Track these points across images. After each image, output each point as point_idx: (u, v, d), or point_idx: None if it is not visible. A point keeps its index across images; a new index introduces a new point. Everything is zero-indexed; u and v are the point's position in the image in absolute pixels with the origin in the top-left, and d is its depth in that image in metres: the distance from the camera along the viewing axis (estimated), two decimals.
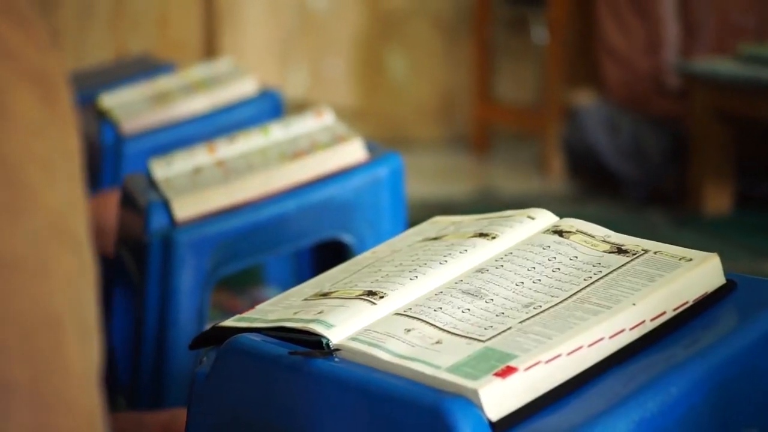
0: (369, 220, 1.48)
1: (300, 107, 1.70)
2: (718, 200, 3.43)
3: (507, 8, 4.39)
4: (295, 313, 0.96)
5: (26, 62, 0.57)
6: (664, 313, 0.88)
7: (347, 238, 1.48)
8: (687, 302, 0.90)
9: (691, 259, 0.91)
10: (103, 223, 1.81)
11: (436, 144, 4.50)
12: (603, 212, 3.49)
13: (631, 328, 0.87)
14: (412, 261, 1.00)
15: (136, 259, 1.54)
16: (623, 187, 3.60)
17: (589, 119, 3.58)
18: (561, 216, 1.03)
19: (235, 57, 4.30)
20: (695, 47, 3.61)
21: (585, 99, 3.76)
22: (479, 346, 0.86)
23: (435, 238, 1.05)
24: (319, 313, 0.94)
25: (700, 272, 0.90)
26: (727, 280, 0.92)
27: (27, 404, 0.54)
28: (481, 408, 0.81)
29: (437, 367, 0.84)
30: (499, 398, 0.81)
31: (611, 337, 0.86)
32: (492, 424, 0.81)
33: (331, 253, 1.55)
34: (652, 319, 0.88)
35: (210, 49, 4.26)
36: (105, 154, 2.16)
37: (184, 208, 1.48)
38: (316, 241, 1.52)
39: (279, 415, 0.91)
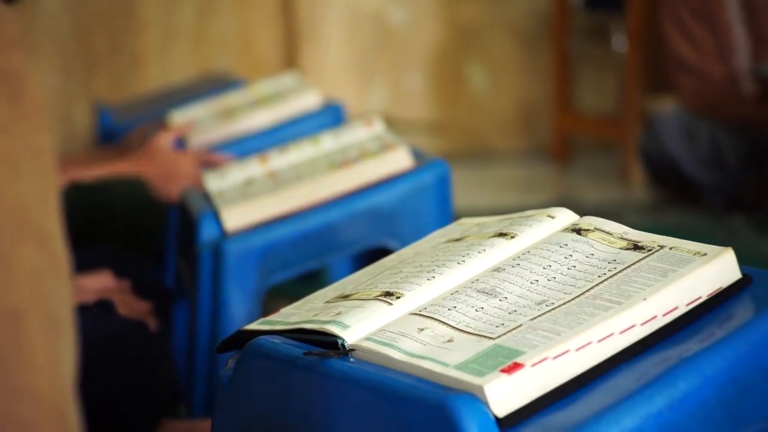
0: (415, 226, 1.49)
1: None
2: None
3: (586, 17, 4.37)
4: (315, 315, 0.97)
5: None
6: (676, 308, 0.88)
7: (394, 245, 1.49)
8: (700, 297, 0.89)
9: (705, 254, 0.90)
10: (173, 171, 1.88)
11: (516, 155, 4.49)
12: (683, 221, 3.44)
13: (642, 324, 0.86)
14: (432, 262, 1.00)
15: (190, 269, 1.57)
16: (703, 195, 3.54)
17: (666, 127, 3.53)
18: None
19: (315, 74, 4.34)
20: (765, 51, 3.55)
21: (664, 107, 3.71)
22: (489, 343, 0.86)
23: (458, 239, 1.05)
24: (337, 314, 0.95)
25: (713, 267, 0.89)
26: (743, 274, 0.91)
27: None
28: (487, 404, 0.81)
29: (446, 365, 0.85)
30: (506, 394, 0.82)
31: (621, 332, 0.86)
32: (498, 420, 0.81)
33: None
34: (664, 315, 0.87)
35: (291, 67, 4.31)
36: None
37: (234, 219, 1.50)
38: (364, 248, 1.53)
39: (297, 414, 0.93)
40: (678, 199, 3.64)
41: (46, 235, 0.59)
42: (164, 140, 2.03)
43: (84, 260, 1.83)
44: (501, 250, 0.99)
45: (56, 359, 0.59)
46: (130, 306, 1.64)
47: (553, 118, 4.39)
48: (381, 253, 1.58)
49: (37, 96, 0.61)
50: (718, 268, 0.89)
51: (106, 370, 1.39)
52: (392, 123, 4.37)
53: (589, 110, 4.47)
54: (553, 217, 1.02)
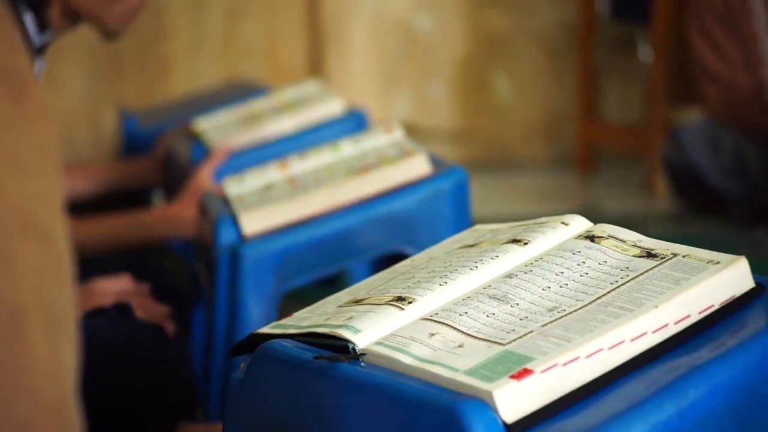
0: (432, 233, 1.48)
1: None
2: None
3: (612, 28, 4.35)
4: (327, 319, 0.97)
5: None
6: (688, 316, 0.87)
7: (411, 251, 1.48)
8: (713, 305, 0.88)
9: (718, 263, 0.90)
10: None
11: (540, 165, 4.48)
12: (707, 232, 3.42)
13: (654, 331, 0.86)
14: (444, 267, 1.00)
15: (207, 272, 1.57)
16: (728, 206, 3.52)
17: (690, 137, 3.51)
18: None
19: (340, 81, 4.35)
20: None
21: (690, 117, 3.69)
22: (499, 349, 0.86)
23: (471, 245, 1.05)
24: (349, 318, 0.95)
25: (726, 275, 0.89)
26: (756, 283, 0.90)
27: None
28: (495, 410, 0.81)
29: (455, 370, 0.85)
30: (515, 400, 0.81)
31: (632, 339, 0.85)
32: (507, 426, 0.81)
33: None
34: (676, 323, 0.87)
35: (316, 75, 4.32)
36: None
37: (252, 223, 1.50)
38: (381, 254, 1.53)
39: (307, 417, 0.93)
40: (702, 210, 3.62)
41: (48, 234, 0.59)
42: (205, 177, 2.02)
43: (104, 264, 1.84)
44: (514, 257, 0.99)
45: (57, 358, 0.58)
46: (148, 309, 1.65)
47: (578, 127, 4.38)
48: (400, 259, 1.58)
49: (40, 95, 0.61)
50: (731, 277, 0.89)
51: (122, 371, 1.39)
52: (417, 131, 4.37)
53: (615, 120, 4.46)
54: (566, 224, 1.02)
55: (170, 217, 1.96)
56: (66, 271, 0.60)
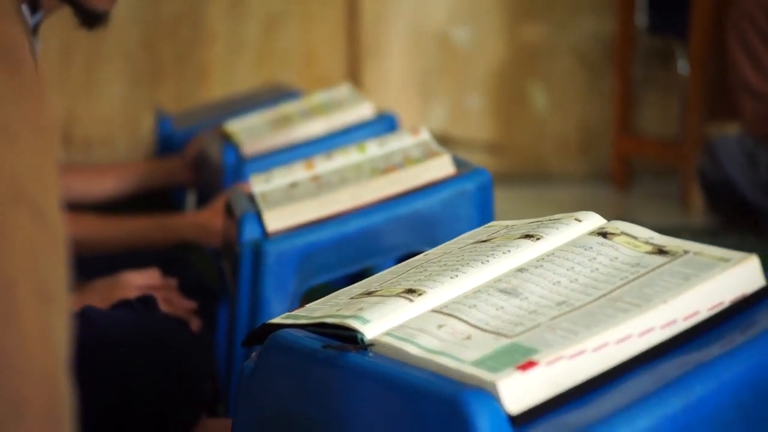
0: (455, 233, 1.48)
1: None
2: None
3: (650, 41, 4.34)
4: (338, 310, 0.98)
5: None
6: (697, 312, 0.87)
7: None
8: (722, 302, 0.88)
9: (729, 260, 0.89)
10: None
11: (575, 178, 4.46)
12: (743, 247, 3.39)
13: (662, 327, 0.86)
14: (456, 261, 1.00)
15: (232, 269, 1.58)
16: (763, 221, 3.50)
17: (726, 151, 3.49)
18: None
19: (377, 91, 4.36)
20: None
21: (726, 131, 3.67)
22: (506, 341, 0.86)
23: (485, 240, 1.05)
24: (359, 309, 0.95)
25: (736, 273, 0.88)
26: (767, 281, 0.90)
27: None
28: (499, 400, 0.81)
29: (461, 361, 0.85)
30: (519, 392, 0.81)
31: (640, 334, 0.85)
32: (511, 417, 0.81)
33: None
34: (685, 318, 0.87)
35: (353, 84, 4.33)
36: (227, 174, 2.22)
37: (276, 220, 1.51)
38: (403, 253, 1.53)
39: (315, 406, 0.93)
40: (737, 225, 3.60)
41: (41, 207, 0.58)
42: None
43: (134, 259, 1.86)
44: (526, 252, 0.99)
45: (48, 330, 0.58)
46: (174, 304, 1.66)
47: (613, 141, 4.37)
48: None
49: (37, 69, 0.61)
50: (741, 274, 0.89)
51: (143, 364, 1.40)
52: (452, 142, 4.37)
53: (651, 134, 4.44)
54: (580, 221, 1.02)
55: (198, 224, 1.98)
56: (58, 244, 0.60)
